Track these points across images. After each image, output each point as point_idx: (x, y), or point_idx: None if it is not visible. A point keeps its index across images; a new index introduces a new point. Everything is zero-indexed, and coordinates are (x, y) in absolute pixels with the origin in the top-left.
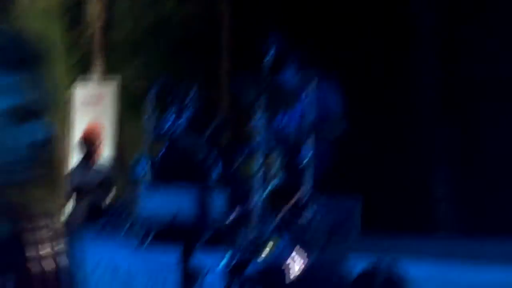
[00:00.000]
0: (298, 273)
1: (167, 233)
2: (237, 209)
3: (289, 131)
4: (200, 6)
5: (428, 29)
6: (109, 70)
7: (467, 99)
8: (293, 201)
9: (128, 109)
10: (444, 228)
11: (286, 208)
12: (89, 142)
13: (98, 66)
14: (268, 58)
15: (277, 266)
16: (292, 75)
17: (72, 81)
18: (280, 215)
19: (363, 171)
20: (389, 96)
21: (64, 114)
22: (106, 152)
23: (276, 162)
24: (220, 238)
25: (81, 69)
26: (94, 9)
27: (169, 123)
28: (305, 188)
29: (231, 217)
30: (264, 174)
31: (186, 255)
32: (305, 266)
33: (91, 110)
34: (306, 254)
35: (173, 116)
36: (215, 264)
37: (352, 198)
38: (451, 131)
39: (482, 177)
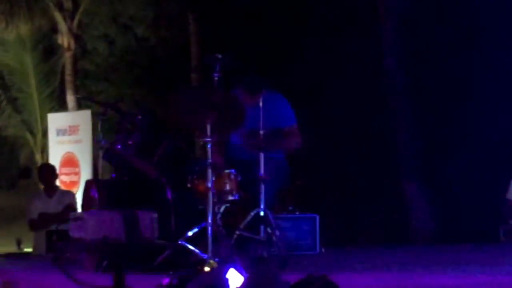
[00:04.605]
0: None
1: (122, 255)
2: (192, 228)
3: (242, 148)
4: (171, 31)
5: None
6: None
7: (435, 104)
8: (248, 218)
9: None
10: (419, 238)
11: (241, 225)
12: (48, 173)
13: (71, 95)
14: (218, 77)
15: (216, 283)
16: (244, 92)
17: (48, 111)
18: (236, 233)
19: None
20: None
21: (42, 144)
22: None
23: (229, 180)
24: (174, 258)
25: (56, 99)
26: (64, 39)
27: (119, 147)
28: (261, 205)
29: (185, 237)
30: (218, 193)
31: (140, 275)
32: (245, 282)
33: (66, 140)
34: (247, 271)
35: (124, 140)
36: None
37: (311, 215)
38: (422, 140)
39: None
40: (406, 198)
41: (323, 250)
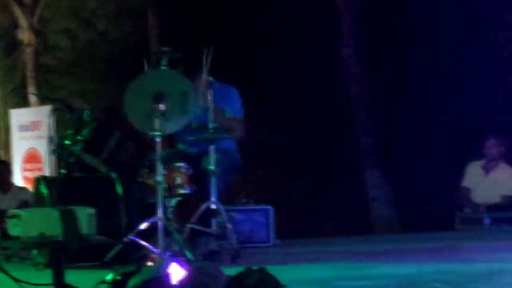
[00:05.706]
0: (178, 283)
1: (60, 252)
2: (142, 223)
3: (191, 140)
4: (132, 24)
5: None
6: (47, 93)
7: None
8: (199, 212)
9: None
10: (379, 228)
11: (192, 219)
12: (1, 169)
13: (33, 91)
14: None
15: (157, 278)
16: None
17: (12, 107)
18: (187, 226)
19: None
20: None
21: (5, 140)
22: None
23: (179, 174)
24: (126, 254)
25: (20, 95)
26: (25, 35)
27: (70, 143)
28: (211, 199)
29: (136, 232)
30: (169, 186)
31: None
32: (186, 277)
33: (29, 136)
34: (189, 264)
35: (73, 135)
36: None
37: (264, 207)
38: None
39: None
40: (366, 187)
41: (279, 242)
